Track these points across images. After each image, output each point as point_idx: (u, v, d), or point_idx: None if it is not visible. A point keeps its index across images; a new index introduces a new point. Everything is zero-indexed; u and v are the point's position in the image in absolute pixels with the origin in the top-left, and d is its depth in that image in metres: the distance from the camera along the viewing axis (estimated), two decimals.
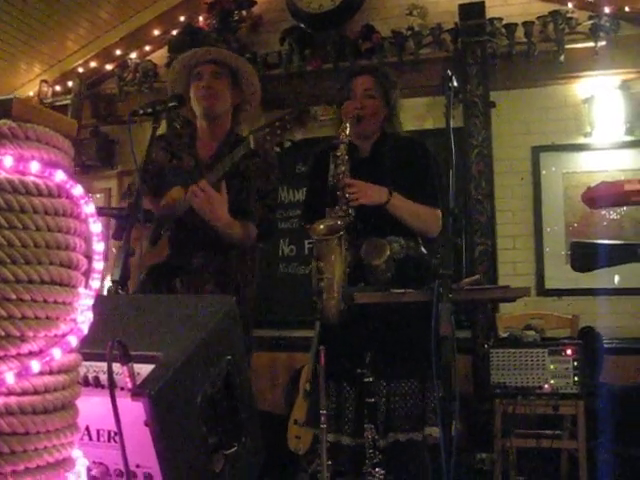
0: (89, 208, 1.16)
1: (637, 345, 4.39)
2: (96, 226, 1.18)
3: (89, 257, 1.19)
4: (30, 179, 1.07)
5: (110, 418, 1.26)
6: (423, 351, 2.58)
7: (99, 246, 1.21)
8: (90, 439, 1.38)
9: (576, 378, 3.85)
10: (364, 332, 2.75)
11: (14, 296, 1.03)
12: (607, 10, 4.62)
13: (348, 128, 2.85)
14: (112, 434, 1.36)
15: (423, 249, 2.93)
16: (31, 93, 5.94)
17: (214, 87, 2.90)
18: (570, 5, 4.81)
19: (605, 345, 4.19)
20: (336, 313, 2.69)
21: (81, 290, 1.16)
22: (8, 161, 1.05)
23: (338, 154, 2.83)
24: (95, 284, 1.19)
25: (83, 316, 1.15)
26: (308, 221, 2.96)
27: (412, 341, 2.73)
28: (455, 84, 2.51)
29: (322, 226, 2.78)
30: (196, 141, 3.04)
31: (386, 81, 3.01)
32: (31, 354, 1.05)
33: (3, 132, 1.06)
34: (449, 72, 2.49)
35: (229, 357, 1.52)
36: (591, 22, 4.65)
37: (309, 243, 5.20)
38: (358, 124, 2.88)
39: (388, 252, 2.74)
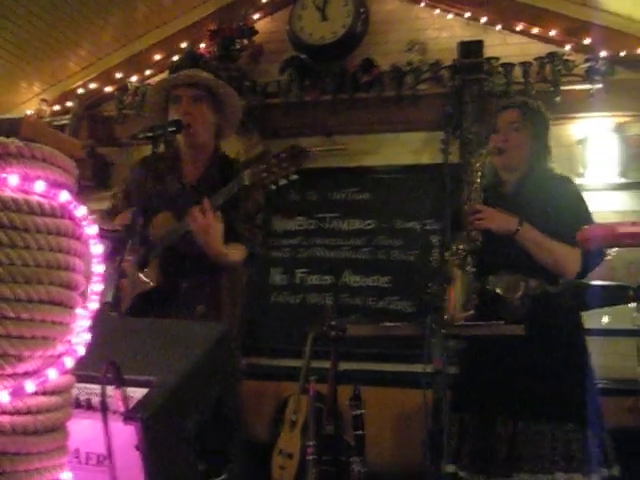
0: (91, 230, 1.16)
1: (625, 386, 4.37)
2: (96, 248, 1.18)
3: (88, 278, 1.20)
4: (34, 198, 1.07)
5: (100, 441, 1.26)
6: (558, 392, 2.55)
7: (98, 268, 1.21)
8: (79, 462, 1.36)
9: None
10: (502, 374, 2.70)
11: (13, 315, 1.03)
12: (603, 54, 4.69)
13: (482, 160, 2.83)
14: (101, 458, 1.35)
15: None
16: (29, 111, 5.94)
17: (194, 112, 2.86)
18: (567, 47, 4.88)
19: None
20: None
21: (78, 311, 1.16)
22: (14, 180, 1.05)
23: (471, 181, 2.81)
24: (92, 306, 1.19)
25: (79, 337, 1.14)
26: None
27: (553, 384, 2.65)
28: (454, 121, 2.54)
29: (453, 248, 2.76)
30: (181, 163, 3.00)
31: (535, 115, 2.93)
32: (26, 374, 1.05)
33: (10, 151, 1.07)
34: (450, 109, 2.51)
35: (220, 384, 1.51)
36: (587, 65, 4.70)
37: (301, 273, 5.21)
38: (500, 156, 2.84)
39: (523, 288, 2.69)
